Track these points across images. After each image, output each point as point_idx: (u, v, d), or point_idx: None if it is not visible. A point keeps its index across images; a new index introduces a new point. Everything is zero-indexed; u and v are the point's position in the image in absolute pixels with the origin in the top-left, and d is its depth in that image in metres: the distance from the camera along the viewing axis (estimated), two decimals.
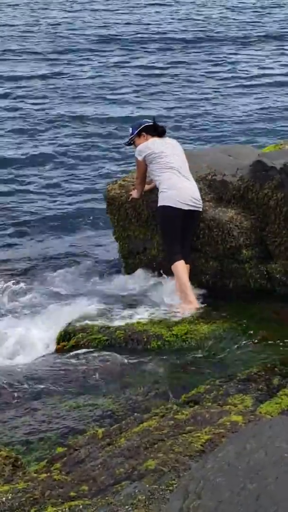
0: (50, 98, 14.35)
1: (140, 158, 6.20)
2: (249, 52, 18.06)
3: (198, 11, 23.33)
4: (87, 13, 22.28)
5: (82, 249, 8.15)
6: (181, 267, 6.01)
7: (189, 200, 6.03)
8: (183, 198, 6.01)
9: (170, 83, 15.53)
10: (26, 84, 15.21)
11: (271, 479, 2.07)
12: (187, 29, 20.56)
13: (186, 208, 6.01)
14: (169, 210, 6.01)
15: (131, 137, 6.42)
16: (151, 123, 6.35)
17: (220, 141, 11.72)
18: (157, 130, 6.31)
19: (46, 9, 22.42)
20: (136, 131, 6.34)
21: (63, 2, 23.76)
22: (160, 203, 6.08)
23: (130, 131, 6.46)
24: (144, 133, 6.32)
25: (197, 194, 6.10)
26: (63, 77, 15.66)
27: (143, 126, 6.34)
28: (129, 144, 6.57)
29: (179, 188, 6.03)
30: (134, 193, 6.48)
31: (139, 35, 19.48)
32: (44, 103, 14.04)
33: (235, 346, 5.39)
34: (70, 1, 23.80)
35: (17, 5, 22.99)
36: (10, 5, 22.95)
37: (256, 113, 13.56)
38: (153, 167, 6.14)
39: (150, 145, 6.17)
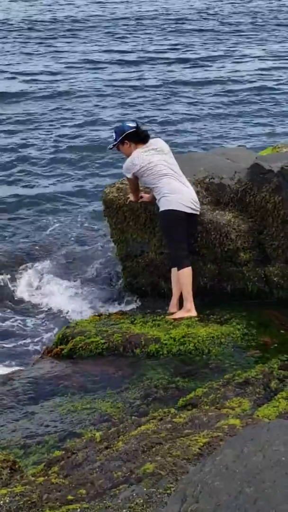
0: (49, 101, 14.37)
1: (129, 175, 6.10)
2: (248, 56, 18.10)
3: (198, 13, 23.40)
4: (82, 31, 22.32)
5: (80, 253, 8.15)
6: (188, 274, 5.95)
7: (191, 204, 6.02)
8: (186, 201, 5.99)
9: (169, 87, 15.55)
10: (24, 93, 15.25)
11: (269, 482, 2.07)
12: (186, 34, 20.61)
13: (189, 211, 5.99)
14: (174, 213, 5.95)
15: (115, 144, 6.22)
16: (134, 129, 6.10)
17: (218, 144, 11.73)
18: (140, 137, 6.10)
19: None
20: (119, 139, 6.13)
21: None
22: (163, 208, 6.01)
23: (114, 136, 6.21)
24: (127, 141, 6.10)
25: (196, 197, 6.10)
26: (59, 83, 15.68)
27: (125, 133, 6.09)
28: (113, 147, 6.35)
29: (180, 192, 6.00)
30: (145, 197, 6.45)
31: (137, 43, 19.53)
32: (42, 106, 14.06)
33: (233, 350, 5.39)
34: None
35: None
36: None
37: (254, 116, 13.58)
38: (146, 179, 6.05)
39: (135, 161, 6.00)
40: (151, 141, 6.16)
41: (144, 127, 6.31)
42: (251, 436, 2.34)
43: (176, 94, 15.00)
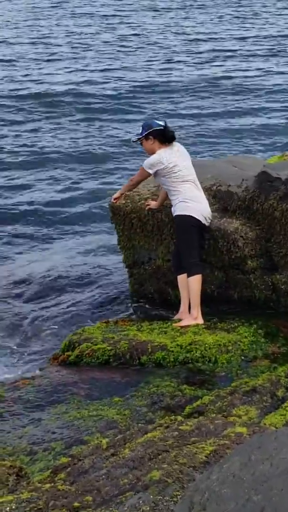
0: (57, 108, 14.43)
1: (151, 171, 6.02)
2: (256, 65, 18.14)
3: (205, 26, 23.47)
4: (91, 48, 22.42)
5: (88, 260, 8.17)
6: (197, 281, 5.95)
7: (208, 217, 6.08)
8: (205, 213, 6.04)
9: (175, 95, 15.59)
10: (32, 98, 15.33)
11: (276, 490, 2.06)
12: (194, 45, 20.68)
13: (204, 222, 6.04)
14: (191, 220, 5.96)
15: (139, 138, 6.18)
16: (162, 127, 6.08)
17: (225, 151, 11.74)
18: (166, 136, 6.08)
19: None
20: (145, 133, 6.09)
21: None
22: (180, 212, 5.99)
23: (139, 130, 6.18)
24: (151, 137, 6.07)
25: (210, 211, 6.13)
26: (70, 87, 15.74)
27: (152, 129, 6.07)
28: (136, 141, 6.32)
29: (200, 202, 6.04)
30: (153, 204, 6.45)
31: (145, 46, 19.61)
32: (51, 111, 14.13)
33: (240, 358, 5.37)
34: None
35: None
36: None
37: (262, 124, 13.59)
38: (168, 181, 6.01)
39: (163, 159, 5.97)
40: (175, 143, 6.15)
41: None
42: (259, 444, 2.33)
43: (182, 101, 15.03)
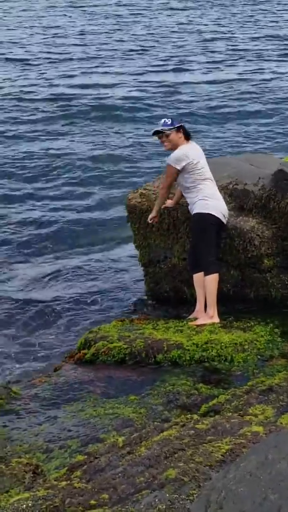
0: (71, 108, 14.46)
1: (178, 167, 5.95)
2: (271, 65, 18.07)
3: (221, 31, 23.42)
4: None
5: (102, 259, 8.18)
6: (214, 280, 5.92)
7: (226, 215, 6.07)
8: (223, 211, 6.03)
9: (189, 95, 15.56)
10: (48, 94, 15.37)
11: None
12: (210, 43, 20.64)
13: (223, 220, 6.03)
14: (210, 218, 5.94)
15: (171, 128, 6.03)
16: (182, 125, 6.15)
17: (242, 150, 11.71)
18: (186, 133, 6.11)
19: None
20: (177, 125, 6.05)
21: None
22: (199, 210, 5.96)
23: (169, 122, 6.04)
24: (181, 130, 6.06)
25: (226, 208, 6.11)
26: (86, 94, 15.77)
27: (182, 124, 6.10)
28: (157, 133, 6.11)
29: (219, 199, 6.03)
30: (168, 202, 6.43)
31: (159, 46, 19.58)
32: (65, 112, 14.16)
33: (256, 357, 5.35)
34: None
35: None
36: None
37: (278, 122, 13.54)
38: (192, 178, 5.97)
39: (189, 154, 5.95)
40: (192, 141, 6.16)
41: None
42: (275, 443, 2.32)
43: (198, 101, 15.00)
